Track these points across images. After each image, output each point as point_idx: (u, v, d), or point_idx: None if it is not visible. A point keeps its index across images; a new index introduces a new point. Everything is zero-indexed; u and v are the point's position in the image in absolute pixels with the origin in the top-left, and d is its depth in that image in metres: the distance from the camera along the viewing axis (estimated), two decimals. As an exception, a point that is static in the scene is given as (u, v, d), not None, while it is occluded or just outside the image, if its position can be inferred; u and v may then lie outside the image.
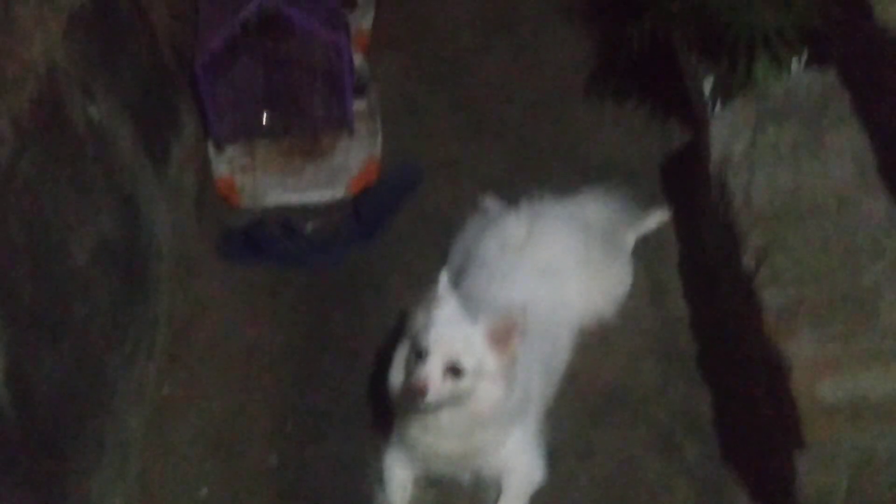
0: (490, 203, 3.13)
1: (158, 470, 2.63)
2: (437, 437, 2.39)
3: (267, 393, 2.79)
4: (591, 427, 2.61)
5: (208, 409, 2.77)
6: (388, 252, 3.13)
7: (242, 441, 2.69)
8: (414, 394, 2.21)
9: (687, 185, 3.02)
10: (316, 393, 2.77)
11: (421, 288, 2.44)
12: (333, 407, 2.73)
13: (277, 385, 2.80)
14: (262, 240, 3.13)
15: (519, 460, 2.47)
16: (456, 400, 2.28)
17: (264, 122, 3.43)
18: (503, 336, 2.28)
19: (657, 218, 3.06)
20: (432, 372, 2.21)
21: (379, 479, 2.51)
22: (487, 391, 2.29)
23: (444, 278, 2.36)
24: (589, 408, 2.65)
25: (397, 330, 2.55)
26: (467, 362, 2.24)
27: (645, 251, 2.98)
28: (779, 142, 2.61)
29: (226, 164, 3.37)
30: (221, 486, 2.59)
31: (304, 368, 2.84)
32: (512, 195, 3.01)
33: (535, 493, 2.46)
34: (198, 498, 2.57)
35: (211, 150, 3.39)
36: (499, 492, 2.46)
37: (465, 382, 2.25)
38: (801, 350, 2.16)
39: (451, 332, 2.27)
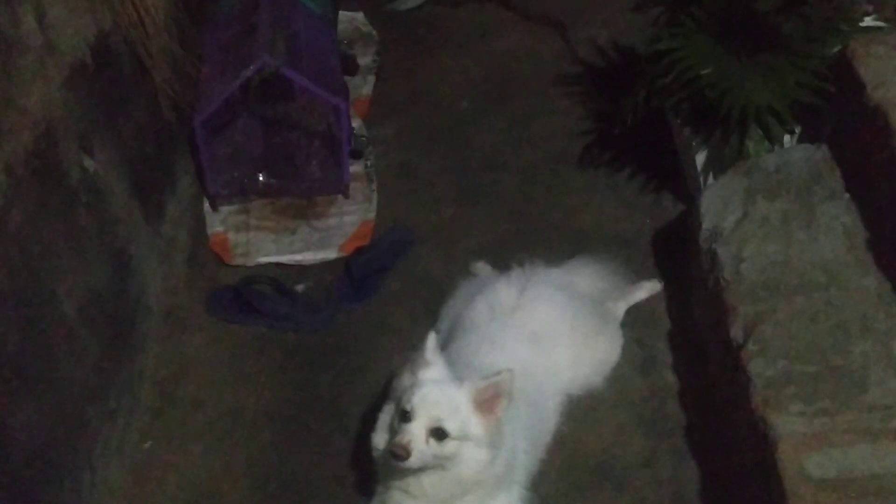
0: (481, 269, 3.13)
1: (136, 527, 2.60)
2: (419, 502, 2.35)
3: (250, 453, 2.76)
4: (577, 498, 2.57)
5: (190, 467, 2.73)
6: (378, 314, 3.12)
7: (223, 501, 2.64)
8: (397, 455, 2.19)
9: (678, 256, 3.03)
10: (299, 454, 2.74)
11: (409, 351, 2.43)
12: (316, 469, 2.70)
13: (261, 445, 2.77)
14: (252, 298, 3.12)
15: (501, 530, 2.43)
16: (439, 463, 2.25)
17: (260, 182, 3.45)
18: (489, 400, 2.26)
19: (648, 289, 3.05)
20: (416, 434, 2.19)
21: (358, 543, 2.48)
22: (472, 455, 2.27)
23: (431, 340, 2.35)
24: (575, 478, 2.61)
25: (384, 393, 2.53)
26: (451, 426, 2.22)
27: (635, 322, 2.97)
28: (769, 215, 2.62)
29: (220, 222, 3.37)
30: (199, 545, 2.55)
31: (288, 429, 2.81)
32: (503, 262, 3.02)
33: (518, 565, 2.42)
34: (174, 557, 2.53)
35: (206, 207, 3.41)
36: (480, 561, 2.41)
37: (448, 446, 2.23)
38: (788, 424, 2.14)
39: (436, 394, 2.25)
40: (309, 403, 2.87)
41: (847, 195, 2.63)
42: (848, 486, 2.05)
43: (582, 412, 2.73)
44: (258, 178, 3.45)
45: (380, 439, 2.35)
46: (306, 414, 2.84)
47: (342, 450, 2.71)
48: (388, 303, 3.16)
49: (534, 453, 2.55)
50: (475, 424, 2.25)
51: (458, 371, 2.36)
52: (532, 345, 2.68)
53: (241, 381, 2.95)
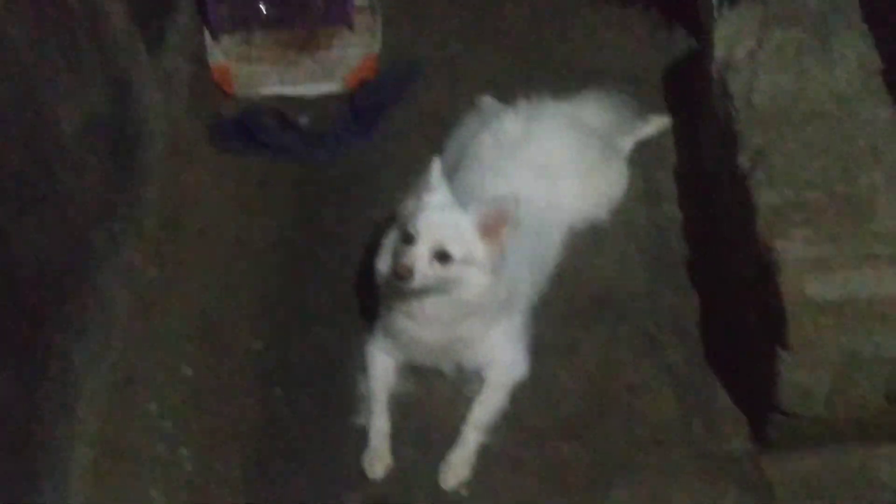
0: (487, 102, 3.08)
1: (143, 350, 2.63)
2: (422, 326, 2.38)
3: (254, 280, 2.78)
4: (577, 327, 2.60)
5: (195, 294, 2.76)
6: (382, 148, 3.09)
7: (228, 325, 2.68)
8: (400, 276, 2.20)
9: (688, 92, 2.98)
10: (304, 282, 2.77)
11: (414, 177, 2.41)
12: (320, 296, 2.73)
13: (265, 273, 2.79)
14: (255, 130, 3.09)
15: (502, 353, 2.47)
16: (442, 287, 2.27)
17: (263, 12, 3.35)
18: (493, 226, 2.26)
19: (657, 124, 3.02)
20: (419, 256, 2.20)
21: (362, 366, 2.51)
22: (474, 279, 2.28)
23: (436, 166, 2.32)
24: (576, 308, 2.64)
25: (388, 222, 2.52)
26: (455, 249, 2.22)
27: (642, 157, 2.95)
28: (784, 45, 2.55)
29: (222, 52, 3.31)
30: (205, 367, 2.60)
31: (292, 258, 2.83)
32: (510, 96, 2.96)
33: (517, 388, 2.46)
34: (181, 378, 2.58)
35: (207, 37, 3.33)
36: (481, 383, 2.46)
37: (452, 269, 2.24)
38: (792, 249, 2.14)
39: (440, 218, 2.25)
40: (314, 233, 2.88)
41: (864, 25, 2.55)
42: (847, 309, 2.06)
43: (586, 244, 2.74)
44: (261, 8, 3.36)
45: (383, 264, 2.36)
46: (311, 243, 2.86)
47: (347, 277, 2.73)
48: (393, 137, 3.13)
49: (536, 283, 2.57)
50: (479, 249, 2.26)
51: (461, 200, 2.34)
52: (537, 177, 2.66)
53: (245, 211, 2.96)
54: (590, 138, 2.81)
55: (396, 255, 2.26)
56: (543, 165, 2.68)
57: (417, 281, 2.20)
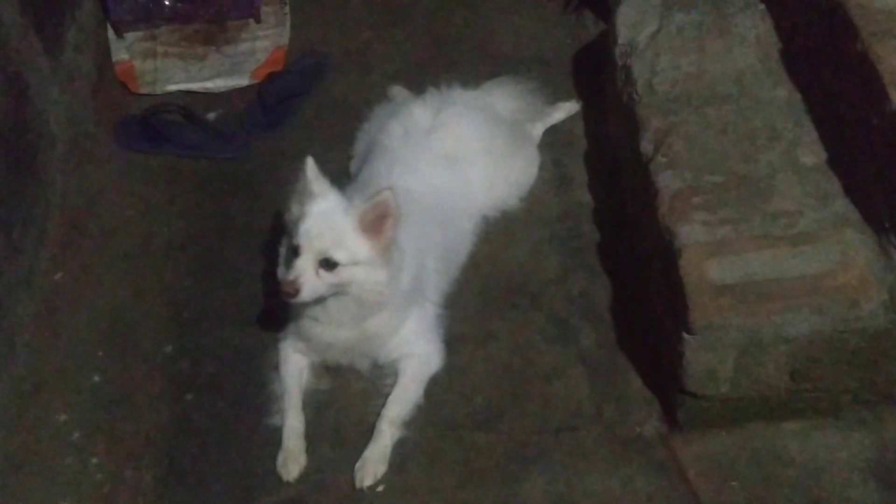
0: (398, 92, 3.06)
1: (49, 358, 2.57)
2: (330, 327, 2.35)
3: (163, 281, 2.73)
4: (491, 315, 2.59)
5: (102, 297, 2.70)
6: (293, 141, 3.05)
7: (137, 329, 2.63)
8: (287, 293, 2.18)
9: (597, 76, 2.97)
10: (213, 282, 2.72)
11: (293, 182, 2.33)
12: (231, 296, 2.68)
13: (174, 274, 2.74)
14: (162, 127, 3.03)
15: (416, 346, 2.45)
16: (338, 290, 2.24)
17: (167, 7, 3.29)
18: (375, 222, 2.22)
19: (566, 109, 3.02)
20: (305, 269, 2.17)
21: (275, 366, 2.48)
22: (368, 277, 2.24)
23: (311, 168, 2.26)
24: (489, 296, 2.63)
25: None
26: (339, 255, 2.19)
27: (552, 142, 2.95)
28: (684, 27, 2.56)
29: (125, 49, 3.24)
30: (114, 373, 2.54)
31: (202, 258, 2.78)
32: (421, 85, 2.94)
33: (432, 379, 2.45)
34: (89, 385, 2.52)
35: (110, 34, 3.26)
36: (396, 377, 2.43)
37: (341, 274, 2.21)
38: (692, 232, 2.15)
39: (320, 226, 2.20)
40: (223, 231, 2.84)
41: (762, 5, 2.57)
42: (747, 290, 2.07)
43: (498, 232, 2.73)
44: (164, 3, 3.29)
45: (282, 274, 2.31)
46: (220, 241, 2.81)
47: (257, 276, 2.69)
48: (304, 130, 3.09)
49: (447, 273, 2.56)
50: (364, 248, 2.22)
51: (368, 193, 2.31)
52: (446, 166, 2.64)
53: (153, 210, 2.90)
54: (500, 126, 2.80)
55: (288, 268, 2.22)
56: (453, 154, 2.67)
57: (306, 294, 2.18)
